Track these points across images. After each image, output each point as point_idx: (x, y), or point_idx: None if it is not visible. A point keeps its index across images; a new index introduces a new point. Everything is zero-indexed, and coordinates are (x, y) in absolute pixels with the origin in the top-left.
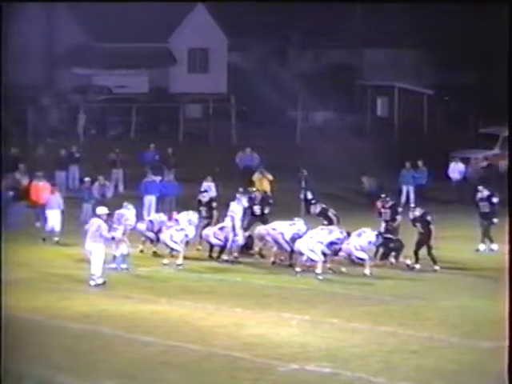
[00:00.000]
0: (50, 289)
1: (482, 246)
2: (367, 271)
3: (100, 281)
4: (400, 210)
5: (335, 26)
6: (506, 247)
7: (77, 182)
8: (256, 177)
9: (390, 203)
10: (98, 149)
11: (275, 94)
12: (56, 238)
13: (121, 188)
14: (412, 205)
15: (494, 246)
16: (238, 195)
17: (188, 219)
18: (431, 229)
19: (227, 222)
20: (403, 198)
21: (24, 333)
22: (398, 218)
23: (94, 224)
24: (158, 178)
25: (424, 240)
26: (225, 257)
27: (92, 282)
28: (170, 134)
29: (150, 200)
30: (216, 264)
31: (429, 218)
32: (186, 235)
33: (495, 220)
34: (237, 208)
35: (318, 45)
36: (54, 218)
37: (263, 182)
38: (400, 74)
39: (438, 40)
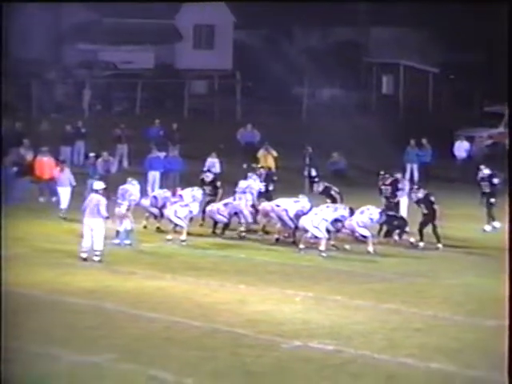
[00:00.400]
0: (52, 264)
1: (487, 227)
2: (370, 248)
3: (97, 258)
4: (400, 186)
5: (342, 4)
6: (507, 226)
7: (82, 158)
8: (261, 153)
9: (390, 180)
10: (103, 124)
11: (281, 71)
12: (61, 214)
13: (125, 163)
14: (415, 186)
15: (497, 224)
16: (249, 174)
17: (192, 195)
18: (435, 209)
19: (244, 200)
20: (407, 176)
21: (25, 308)
22: (399, 194)
23: (94, 199)
24: (162, 154)
25: (429, 220)
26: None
27: (95, 258)
28: (175, 110)
29: (154, 176)
30: (220, 240)
31: (432, 198)
32: (191, 211)
33: (492, 200)
34: (254, 185)
35: (325, 22)
36: (64, 195)
37: (268, 159)
38: (406, 52)
39: (444, 18)
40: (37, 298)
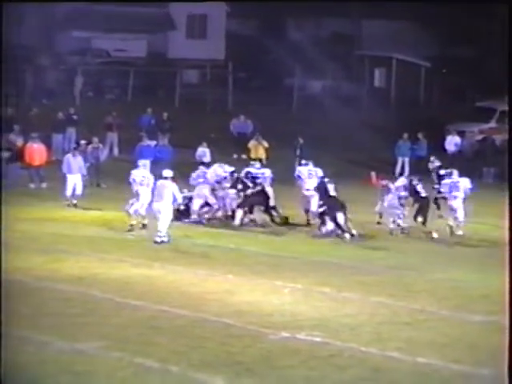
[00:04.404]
0: (41, 250)
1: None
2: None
3: (165, 239)
4: None
5: None
6: (500, 221)
7: (73, 145)
8: (252, 144)
9: None
10: (95, 112)
11: (273, 62)
12: (74, 201)
13: (115, 151)
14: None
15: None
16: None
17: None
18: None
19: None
20: (398, 170)
21: (13, 294)
22: None
23: (164, 186)
24: (152, 143)
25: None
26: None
27: (158, 239)
28: (166, 99)
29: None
30: (210, 230)
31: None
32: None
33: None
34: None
35: (318, 14)
36: (72, 182)
37: (259, 149)
38: (398, 46)
39: (437, 13)
40: (25, 284)
